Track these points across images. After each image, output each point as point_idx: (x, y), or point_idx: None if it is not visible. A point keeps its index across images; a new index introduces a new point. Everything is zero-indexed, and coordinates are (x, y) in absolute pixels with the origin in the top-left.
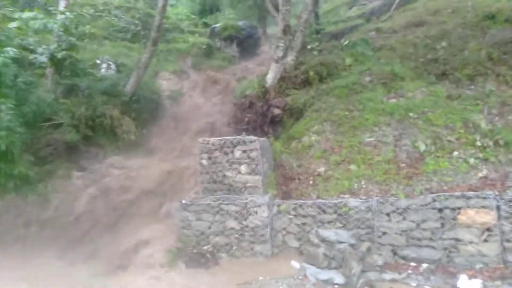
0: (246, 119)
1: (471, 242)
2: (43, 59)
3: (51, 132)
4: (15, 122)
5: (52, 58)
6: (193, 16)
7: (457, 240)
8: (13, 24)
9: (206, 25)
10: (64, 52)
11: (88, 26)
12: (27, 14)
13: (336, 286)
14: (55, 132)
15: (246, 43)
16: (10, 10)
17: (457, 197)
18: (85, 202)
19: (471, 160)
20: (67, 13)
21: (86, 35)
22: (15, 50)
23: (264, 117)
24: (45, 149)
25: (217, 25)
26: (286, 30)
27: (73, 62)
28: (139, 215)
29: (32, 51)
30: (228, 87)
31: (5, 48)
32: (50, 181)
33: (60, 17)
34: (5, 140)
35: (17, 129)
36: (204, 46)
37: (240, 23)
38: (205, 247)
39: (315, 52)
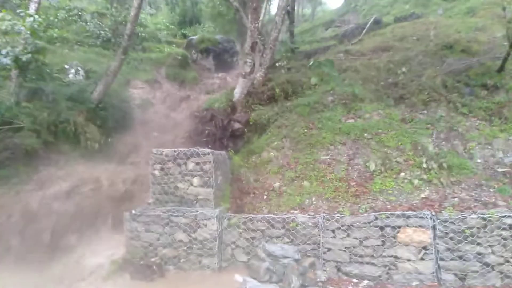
0: (207, 132)
1: (409, 260)
2: (7, 61)
3: (10, 135)
4: None
5: (16, 60)
6: (172, 26)
7: (396, 257)
8: None
9: (184, 36)
10: (29, 55)
11: (57, 30)
12: None
13: None
14: (14, 136)
15: (222, 57)
16: None
17: (397, 216)
18: (33, 208)
19: (416, 181)
20: (36, 17)
21: (57, 39)
22: None
23: (224, 130)
24: (2, 153)
25: (194, 37)
26: (254, 46)
27: (39, 66)
28: (90, 224)
29: None
30: (199, 98)
31: None
32: (4, 186)
33: (28, 19)
34: None
35: None
36: (180, 57)
37: (218, 36)
38: (152, 259)
39: (283, 70)
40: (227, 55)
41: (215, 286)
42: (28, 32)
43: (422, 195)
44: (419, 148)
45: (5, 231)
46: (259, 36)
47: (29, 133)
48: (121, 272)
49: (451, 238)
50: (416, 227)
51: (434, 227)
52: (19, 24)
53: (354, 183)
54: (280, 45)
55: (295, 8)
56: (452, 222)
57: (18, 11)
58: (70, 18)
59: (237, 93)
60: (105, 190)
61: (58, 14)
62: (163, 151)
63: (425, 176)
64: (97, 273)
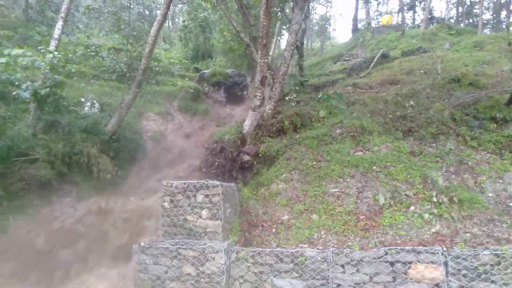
0: (216, 164)
1: None
2: (26, 95)
3: (25, 167)
4: None
5: (35, 94)
6: (185, 61)
7: None
8: (1, 60)
9: (197, 70)
10: (48, 89)
11: (76, 66)
12: (16, 51)
13: None
14: (29, 167)
15: (233, 90)
16: (2, 46)
17: (408, 251)
18: (45, 238)
19: (426, 216)
20: (56, 53)
21: (75, 73)
22: None
23: (234, 162)
24: (17, 183)
25: (206, 70)
26: (263, 81)
27: (56, 99)
28: (101, 255)
29: (18, 87)
30: (210, 130)
31: None
32: (18, 216)
33: (48, 56)
34: None
35: None
36: (192, 90)
37: (229, 70)
38: None
39: (293, 103)
40: (238, 89)
41: None
42: (48, 68)
43: (433, 230)
44: (429, 181)
45: (15, 258)
46: (269, 71)
47: (44, 164)
48: None
49: (464, 275)
50: (427, 263)
51: (446, 264)
52: (39, 60)
53: (363, 217)
54: (289, 78)
55: (304, 42)
56: (464, 259)
57: (39, 47)
58: (88, 53)
59: (247, 126)
60: (115, 221)
61: (76, 50)
62: (173, 183)
63: (435, 210)
64: None
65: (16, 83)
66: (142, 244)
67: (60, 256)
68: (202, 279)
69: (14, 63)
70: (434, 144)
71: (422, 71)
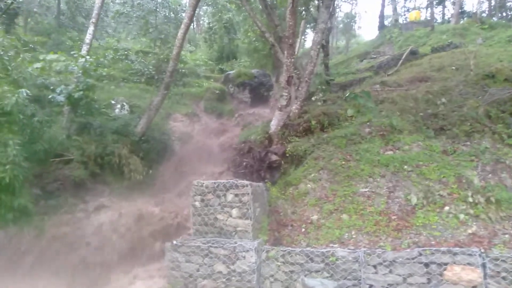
0: (244, 164)
1: None
2: (61, 98)
3: (60, 167)
4: (20, 157)
5: (69, 97)
6: (210, 62)
7: None
8: (37, 65)
9: (222, 71)
10: (81, 93)
11: (106, 69)
12: (51, 56)
13: None
14: (64, 168)
15: (258, 90)
16: (38, 52)
17: (443, 253)
18: (81, 238)
19: (461, 216)
20: (88, 57)
21: (105, 76)
22: (28, 91)
23: (261, 162)
24: (52, 184)
25: (231, 71)
26: (290, 80)
27: (88, 102)
28: (135, 254)
29: (53, 90)
30: (236, 130)
31: (19, 90)
32: (53, 215)
33: (81, 60)
34: (10, 174)
35: (22, 163)
36: (217, 91)
37: (253, 70)
38: None
39: (319, 102)
40: (263, 89)
41: None
42: (80, 72)
43: (469, 231)
44: (464, 181)
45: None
46: (295, 70)
47: (77, 165)
48: None
49: (503, 278)
50: (464, 264)
51: (484, 265)
52: (72, 65)
53: (395, 217)
54: (314, 77)
55: (330, 41)
56: (504, 261)
57: (71, 52)
58: (117, 57)
59: (273, 126)
60: (147, 220)
61: (106, 54)
62: (203, 183)
63: (471, 211)
64: None
65: (51, 87)
66: (175, 242)
67: (97, 255)
68: (233, 278)
69: (49, 67)
70: (469, 143)
71: (453, 68)
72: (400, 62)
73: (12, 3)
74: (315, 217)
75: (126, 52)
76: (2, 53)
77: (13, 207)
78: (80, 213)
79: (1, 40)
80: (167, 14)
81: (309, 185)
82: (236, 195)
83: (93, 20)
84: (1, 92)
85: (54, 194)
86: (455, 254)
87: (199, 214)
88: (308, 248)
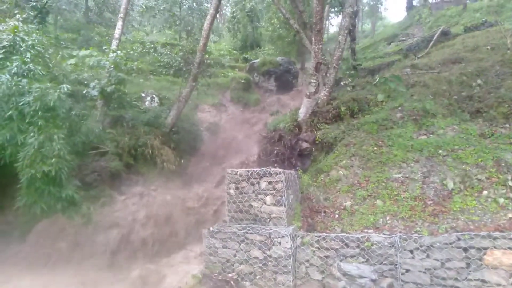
0: (275, 152)
1: (498, 285)
2: (95, 92)
3: (97, 159)
4: (64, 150)
5: (102, 91)
6: (234, 51)
7: (484, 281)
8: (71, 61)
9: (246, 60)
10: (113, 87)
11: (135, 63)
12: (83, 52)
13: None
14: (100, 160)
15: (283, 78)
16: (70, 49)
17: (483, 237)
18: (121, 226)
19: (501, 200)
20: (118, 52)
21: (134, 70)
22: (69, 86)
23: (292, 150)
24: (90, 175)
25: (256, 60)
26: (318, 67)
27: (120, 96)
28: (175, 239)
29: (86, 85)
30: (263, 119)
31: (61, 85)
32: (94, 205)
33: (111, 55)
34: (55, 166)
35: (66, 156)
36: (243, 81)
37: (278, 58)
38: (230, 275)
39: (348, 88)
40: (289, 76)
41: None
42: (112, 66)
43: (510, 215)
44: (503, 164)
45: (97, 243)
46: (322, 56)
47: (112, 157)
48: (200, 286)
49: None
50: (505, 249)
51: None
52: (103, 59)
53: (430, 202)
54: (341, 63)
55: (356, 24)
56: None
57: (103, 47)
58: (145, 50)
59: (302, 113)
60: (182, 208)
61: (134, 48)
62: (237, 171)
63: (511, 195)
64: (179, 285)
65: (85, 82)
66: (211, 229)
67: (138, 242)
68: (269, 263)
69: (82, 63)
70: (507, 125)
71: (489, 47)
72: (431, 43)
73: (47, 2)
74: (348, 203)
75: (153, 45)
76: (43, 51)
77: (61, 197)
78: (118, 202)
79: (41, 39)
80: (191, 4)
81: (340, 172)
82: (270, 182)
83: (121, 15)
84: (44, 89)
85: (92, 185)
86: (495, 238)
87: (234, 202)
88: (342, 234)
